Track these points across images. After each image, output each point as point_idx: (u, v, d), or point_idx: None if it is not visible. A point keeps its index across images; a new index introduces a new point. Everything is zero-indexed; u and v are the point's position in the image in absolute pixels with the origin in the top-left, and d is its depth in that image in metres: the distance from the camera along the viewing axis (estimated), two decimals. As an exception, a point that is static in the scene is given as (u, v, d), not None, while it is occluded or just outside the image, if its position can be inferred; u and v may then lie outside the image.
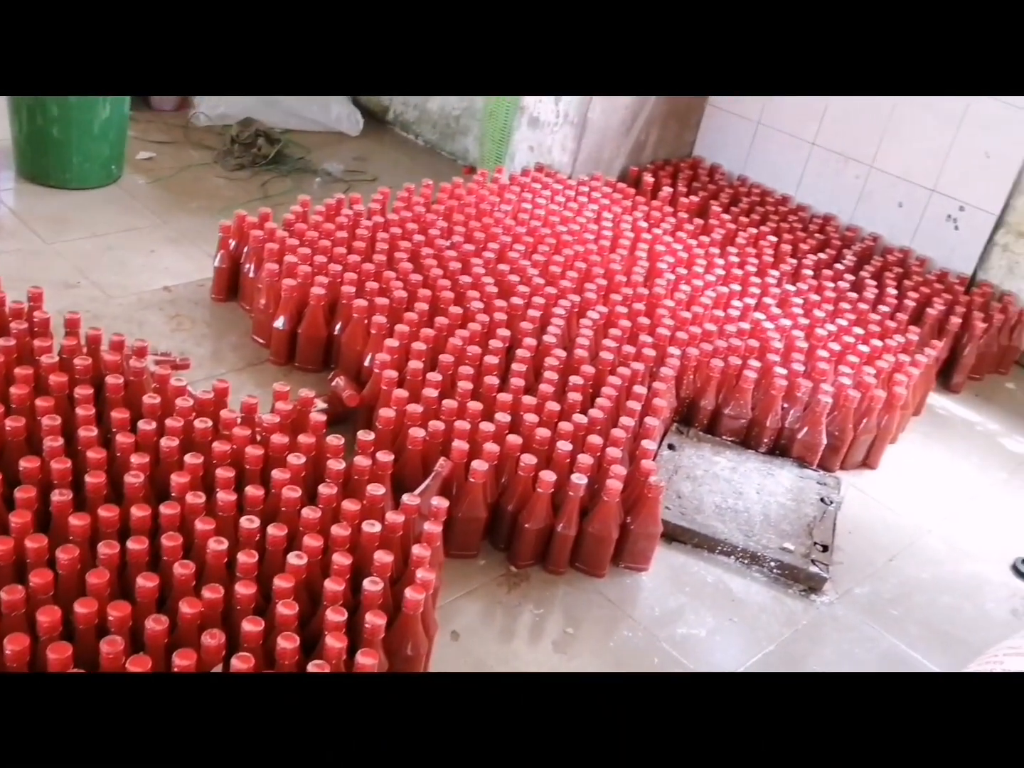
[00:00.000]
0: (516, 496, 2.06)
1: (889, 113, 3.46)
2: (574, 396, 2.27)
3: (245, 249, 2.73)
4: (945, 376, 3.15)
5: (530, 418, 2.15)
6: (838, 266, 3.25)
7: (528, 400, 2.22)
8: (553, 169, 3.46)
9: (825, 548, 2.28)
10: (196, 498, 1.69)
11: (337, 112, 4.38)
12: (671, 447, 2.50)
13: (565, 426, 2.16)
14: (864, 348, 2.76)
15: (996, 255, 3.42)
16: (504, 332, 2.46)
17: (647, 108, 3.58)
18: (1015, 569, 2.42)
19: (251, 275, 2.70)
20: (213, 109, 4.16)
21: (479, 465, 2.00)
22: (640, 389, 2.38)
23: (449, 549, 2.00)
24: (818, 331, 2.78)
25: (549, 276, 2.78)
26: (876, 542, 2.42)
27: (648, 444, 2.18)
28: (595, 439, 2.14)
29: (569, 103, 3.36)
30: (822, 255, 3.30)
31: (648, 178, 3.52)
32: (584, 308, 2.69)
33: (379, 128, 4.58)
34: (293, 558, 1.62)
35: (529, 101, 3.47)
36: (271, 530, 1.67)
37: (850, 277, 3.17)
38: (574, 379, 2.32)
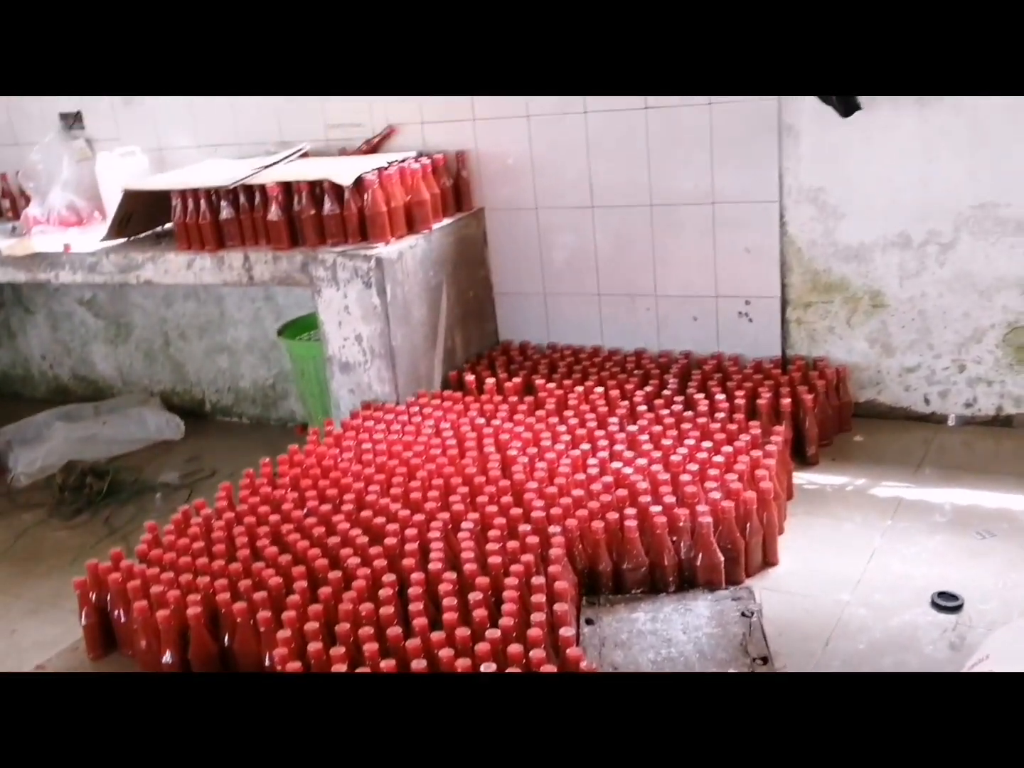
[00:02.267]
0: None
1: (651, 244, 3.73)
2: (479, 613, 2.27)
3: (108, 596, 2.66)
4: (799, 453, 3.30)
5: (445, 653, 2.13)
6: (665, 392, 3.41)
7: (436, 635, 2.20)
8: (379, 402, 3.54)
9: (765, 660, 2.31)
10: None
11: (155, 422, 4.39)
12: (589, 622, 2.52)
13: (482, 647, 2.15)
14: (719, 458, 2.88)
15: (794, 331, 3.67)
16: (389, 577, 2.46)
17: (443, 317, 3.74)
18: (934, 604, 2.51)
19: (123, 620, 2.62)
20: (30, 466, 4.11)
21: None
22: (538, 579, 2.41)
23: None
24: (672, 459, 2.89)
25: (412, 504, 2.81)
26: (807, 633, 2.47)
27: (566, 631, 2.20)
28: (515, 648, 2.13)
29: (372, 335, 3.47)
30: (647, 388, 3.45)
31: (468, 377, 3.64)
32: (457, 521, 2.72)
33: (201, 422, 4.60)
34: None
35: (333, 348, 3.56)
36: None
37: (679, 398, 3.33)
38: (472, 595, 2.33)
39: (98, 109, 4.65)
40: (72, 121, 4.77)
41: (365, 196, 3.48)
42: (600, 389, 3.43)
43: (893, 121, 3.31)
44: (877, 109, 3.29)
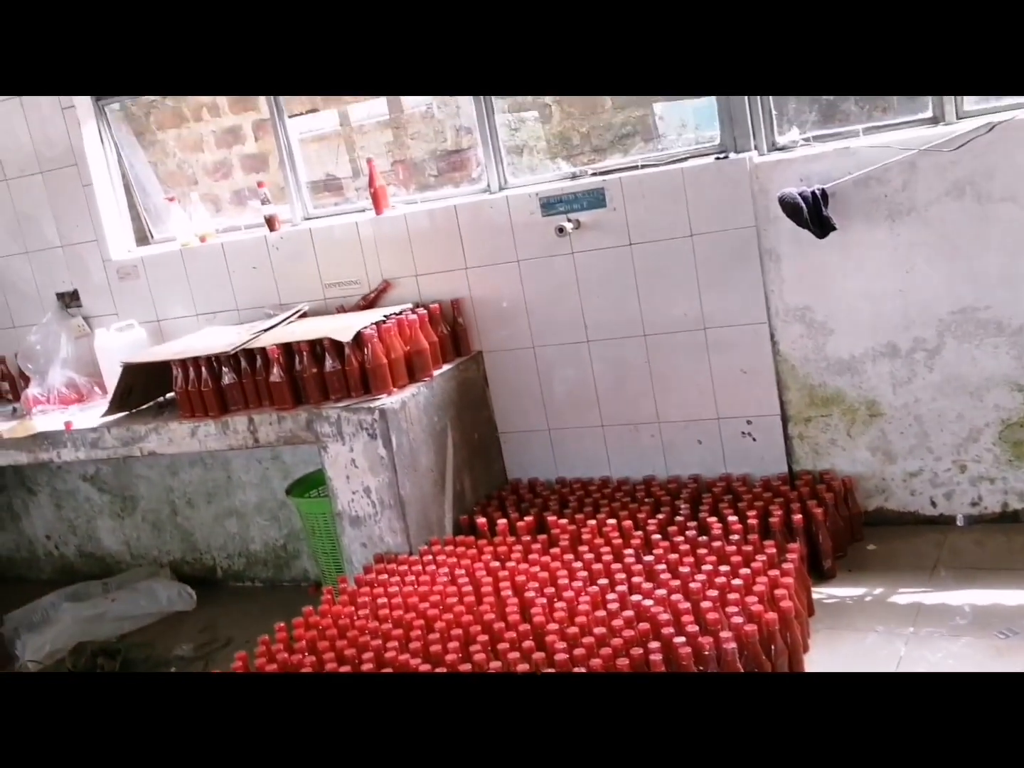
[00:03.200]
0: None
1: (649, 372, 3.79)
2: None
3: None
4: (815, 567, 3.29)
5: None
6: (678, 518, 3.41)
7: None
8: (391, 554, 3.53)
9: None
10: None
11: (166, 595, 4.35)
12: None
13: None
14: (737, 581, 2.87)
15: (798, 446, 3.71)
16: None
17: (450, 461, 3.76)
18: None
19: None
20: (38, 652, 4.05)
21: None
22: (570, 723, 2.36)
23: None
24: (692, 586, 2.87)
25: (433, 658, 2.77)
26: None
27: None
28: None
29: (380, 487, 3.48)
30: (660, 516, 3.45)
31: (480, 519, 3.64)
32: (479, 671, 2.68)
33: (213, 589, 4.55)
34: None
35: (343, 503, 3.57)
36: None
37: (692, 523, 3.33)
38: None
39: (94, 286, 4.77)
40: (69, 300, 4.88)
41: (365, 350, 3.55)
42: (612, 521, 3.43)
43: (867, 238, 3.43)
44: (851, 228, 3.41)
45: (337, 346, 3.59)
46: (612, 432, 3.92)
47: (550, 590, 3.04)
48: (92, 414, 4.13)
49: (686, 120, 3.91)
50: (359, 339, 3.57)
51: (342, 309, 4.16)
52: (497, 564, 3.29)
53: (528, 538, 3.46)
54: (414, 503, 3.56)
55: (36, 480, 5.16)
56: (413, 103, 4.35)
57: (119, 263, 4.69)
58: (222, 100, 4.67)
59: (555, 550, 3.32)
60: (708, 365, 3.71)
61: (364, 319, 3.72)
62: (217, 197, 4.81)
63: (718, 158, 3.60)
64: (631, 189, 3.68)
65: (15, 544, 5.37)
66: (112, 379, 4.12)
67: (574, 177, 3.89)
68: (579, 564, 3.17)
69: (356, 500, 3.56)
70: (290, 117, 4.39)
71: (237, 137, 4.71)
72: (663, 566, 3.04)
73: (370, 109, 4.48)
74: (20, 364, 4.74)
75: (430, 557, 3.43)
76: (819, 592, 3.20)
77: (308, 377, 3.62)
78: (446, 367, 3.87)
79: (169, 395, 4.05)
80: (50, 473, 5.06)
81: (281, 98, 4.34)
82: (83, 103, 4.62)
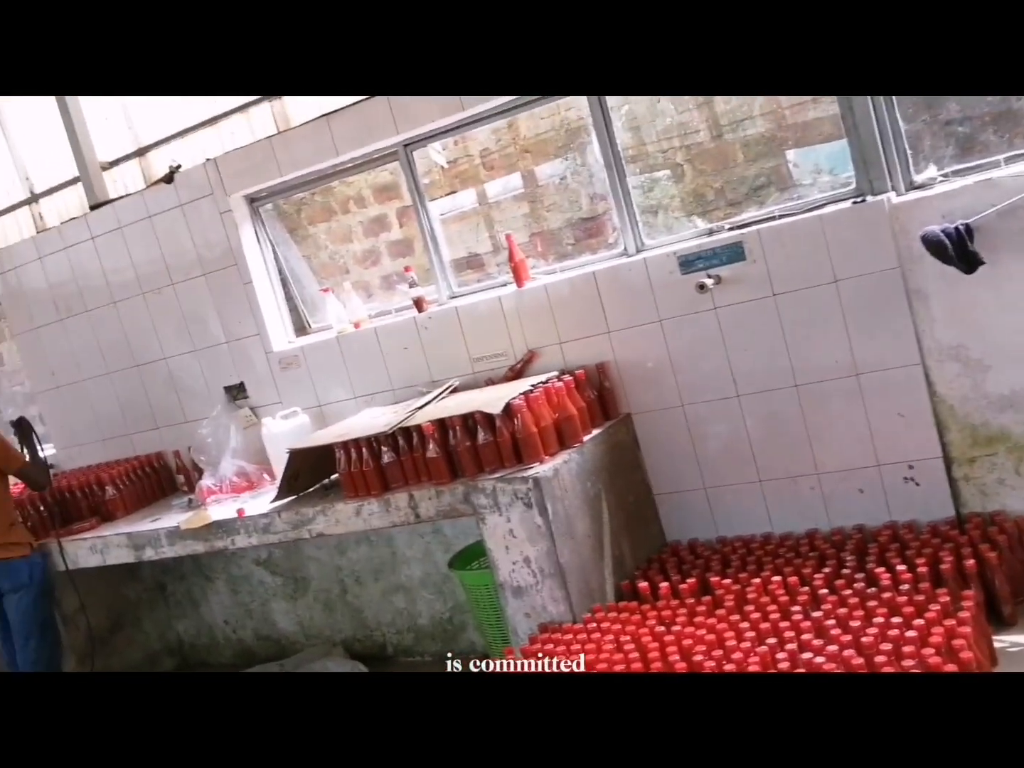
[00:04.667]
0: None
1: (803, 423, 3.72)
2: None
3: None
4: (993, 614, 3.13)
5: None
6: (845, 571, 3.31)
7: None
8: (555, 623, 3.54)
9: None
10: None
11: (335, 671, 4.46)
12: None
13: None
14: (911, 633, 2.75)
15: (964, 488, 3.56)
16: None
17: (606, 526, 3.77)
18: None
19: None
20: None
21: None
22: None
23: None
24: (864, 640, 2.77)
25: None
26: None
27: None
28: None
29: (539, 556, 3.51)
30: (825, 569, 3.36)
31: (641, 584, 3.62)
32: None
33: (384, 665, 4.66)
34: None
35: (504, 574, 3.61)
36: None
37: (860, 575, 3.23)
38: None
39: (258, 377, 5.02)
40: (236, 392, 5.15)
41: (515, 421, 3.61)
42: (777, 578, 3.36)
43: (1019, 269, 3.30)
44: (1000, 261, 3.29)
45: (488, 418, 3.66)
46: (770, 487, 3.86)
47: (718, 652, 2.99)
48: (262, 500, 4.32)
49: (820, 165, 3.87)
50: (509, 410, 3.64)
51: (491, 381, 4.25)
52: (662, 629, 3.25)
53: (692, 600, 3.41)
54: (574, 571, 3.57)
55: (213, 567, 5.41)
56: (546, 174, 4.46)
57: (280, 354, 4.93)
58: (367, 192, 4.89)
59: (720, 611, 3.26)
60: (864, 411, 3.62)
61: (513, 390, 3.79)
62: (368, 284, 5.02)
63: (855, 202, 3.55)
64: (770, 240, 3.66)
65: (196, 630, 5.62)
66: (279, 465, 4.30)
67: (711, 233, 3.89)
68: (746, 624, 3.11)
69: (516, 570, 3.60)
70: (431, 200, 4.57)
71: (383, 225, 4.91)
72: (832, 621, 2.96)
73: (506, 184, 4.61)
74: (193, 457, 5.01)
75: (594, 625, 3.42)
76: (1001, 640, 3.04)
77: (462, 451, 3.71)
78: (596, 432, 3.89)
79: (333, 476, 4.20)
80: (225, 560, 5.30)
81: (423, 184, 4.52)
82: (239, 206, 4.93)
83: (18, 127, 6.11)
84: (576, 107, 4.18)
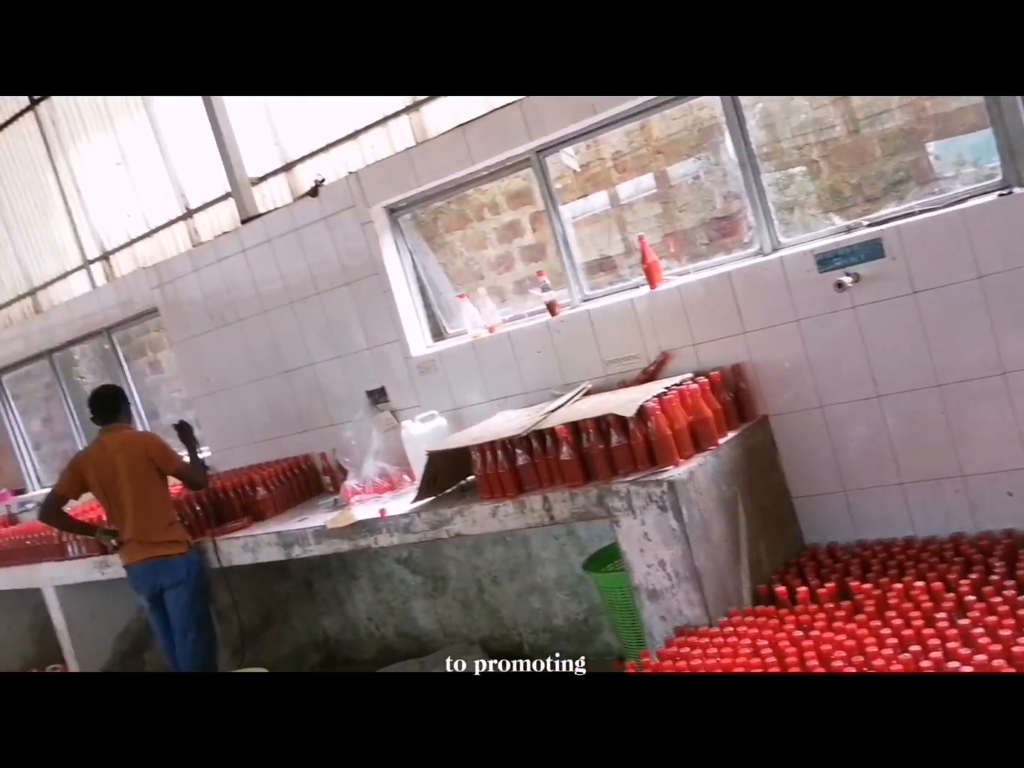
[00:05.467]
0: None
1: (947, 424, 3.60)
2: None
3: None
4: None
5: None
6: (993, 577, 3.19)
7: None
8: (691, 626, 3.52)
9: None
10: None
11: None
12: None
13: None
14: (1071, 642, 2.64)
15: None
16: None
17: (743, 529, 3.73)
18: None
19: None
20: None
21: None
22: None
23: None
24: (1015, 649, 2.67)
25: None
26: None
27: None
28: None
29: (675, 559, 3.50)
30: (972, 575, 3.24)
31: (779, 588, 3.56)
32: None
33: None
34: None
35: (639, 576, 3.61)
36: None
37: (1010, 582, 3.10)
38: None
39: (398, 381, 5.17)
40: (377, 396, 5.31)
41: (649, 423, 3.62)
42: (920, 583, 3.26)
43: None
44: None
45: (621, 421, 3.68)
46: (912, 489, 3.74)
47: (858, 659, 2.92)
48: (403, 501, 4.44)
49: (963, 157, 3.74)
50: (642, 413, 3.64)
51: (624, 384, 4.26)
52: (800, 634, 3.20)
53: (831, 605, 3.34)
54: (710, 574, 3.55)
55: (356, 565, 5.59)
56: (679, 174, 4.44)
57: (419, 359, 5.06)
58: (501, 198, 4.97)
59: (860, 616, 3.19)
60: (1012, 411, 3.48)
61: (646, 392, 3.79)
62: (501, 289, 5.10)
63: (1002, 194, 3.42)
64: (910, 236, 3.56)
65: (341, 627, 5.82)
66: (419, 467, 4.42)
67: (848, 230, 3.81)
68: (887, 630, 3.03)
69: (652, 573, 3.60)
70: (563, 204, 4.62)
71: (516, 231, 4.98)
72: (980, 629, 2.85)
73: (637, 184, 4.61)
74: (338, 458, 5.20)
75: (731, 629, 3.39)
76: None
77: (596, 453, 3.73)
78: (731, 434, 3.86)
79: (470, 478, 4.29)
80: (369, 558, 5.47)
81: (555, 189, 4.58)
82: (380, 217, 5.08)
83: (174, 148, 6.45)
84: (709, 106, 4.15)
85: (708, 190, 4.36)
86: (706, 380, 3.87)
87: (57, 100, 7.10)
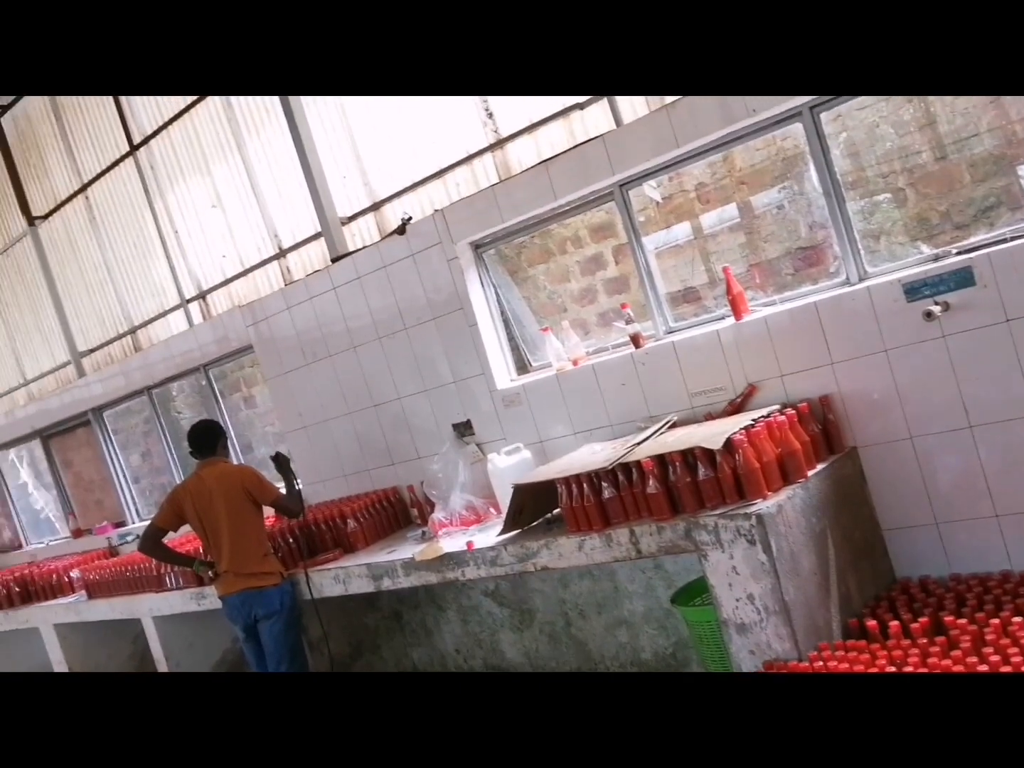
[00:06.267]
0: None
1: None
2: None
3: None
4: None
5: None
6: (1100, 614, 3.09)
7: None
8: (780, 661, 3.48)
9: None
10: None
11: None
12: None
13: None
14: None
15: None
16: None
17: (832, 563, 3.67)
18: None
19: None
20: None
21: None
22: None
23: None
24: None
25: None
26: None
27: None
28: None
29: (764, 593, 3.47)
30: (1076, 611, 3.15)
31: (870, 622, 3.50)
32: None
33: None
34: None
35: (727, 611, 3.58)
36: None
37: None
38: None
39: (483, 414, 5.22)
40: (463, 429, 5.37)
41: (736, 456, 3.60)
42: (1019, 619, 3.17)
43: None
44: None
45: (709, 454, 3.67)
46: (1008, 522, 3.65)
47: (955, 696, 2.86)
48: (490, 534, 4.48)
49: (1058, 181, 3.66)
50: (730, 445, 3.63)
51: (710, 416, 4.25)
52: (893, 669, 3.14)
53: (924, 640, 3.27)
54: (799, 608, 3.51)
55: (444, 597, 5.64)
56: (763, 203, 4.43)
57: (503, 392, 5.12)
58: (583, 231, 5.02)
59: (955, 653, 3.11)
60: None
61: (733, 425, 3.78)
62: (585, 322, 5.13)
63: (1098, 219, 3.34)
64: (1002, 264, 3.49)
65: (429, 658, 5.86)
66: (504, 499, 4.46)
67: (937, 258, 3.75)
68: (984, 667, 2.96)
69: (740, 607, 3.57)
70: (645, 236, 4.64)
71: (599, 263, 5.02)
72: (1085, 668, 2.77)
73: (720, 215, 4.61)
74: (426, 491, 5.27)
75: (821, 663, 3.34)
76: None
77: (683, 486, 3.72)
78: (820, 466, 3.82)
79: (556, 511, 4.31)
80: (456, 590, 5.52)
81: (638, 222, 4.61)
82: (464, 252, 5.17)
83: (267, 190, 6.66)
84: (792, 136, 4.14)
85: (793, 220, 4.34)
86: (794, 412, 3.83)
87: (155, 144, 7.40)
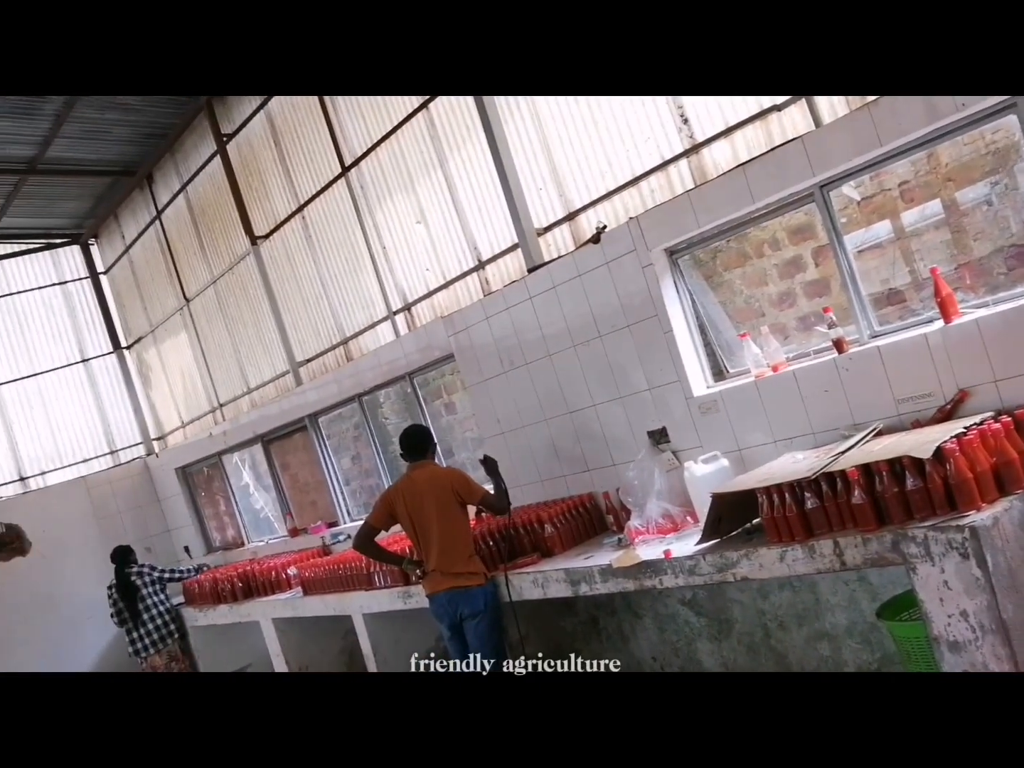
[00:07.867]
0: None
1: None
2: None
3: None
4: None
5: None
6: None
7: None
8: (997, 682, 3.29)
9: None
10: None
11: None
12: None
13: None
14: None
15: None
16: None
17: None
18: None
19: None
20: None
21: None
22: None
23: None
24: None
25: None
26: None
27: None
28: None
29: (979, 610, 3.29)
30: None
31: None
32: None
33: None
34: None
35: (938, 627, 3.42)
36: None
37: None
38: None
39: (678, 422, 5.18)
40: (659, 436, 5.35)
41: (947, 465, 3.44)
42: None
43: None
44: None
45: (917, 463, 3.52)
46: None
47: None
48: (687, 542, 4.44)
49: None
50: (940, 454, 3.47)
51: (918, 424, 4.07)
52: None
53: None
54: (1019, 627, 3.30)
55: (641, 604, 5.63)
56: (968, 199, 4.20)
57: (700, 399, 5.07)
58: (781, 234, 4.91)
59: None
60: None
61: (943, 432, 3.61)
62: (784, 326, 5.02)
63: None
64: None
65: (626, 664, 5.85)
66: (702, 508, 4.41)
67: None
68: None
69: (952, 624, 3.40)
70: (846, 235, 4.49)
71: (798, 266, 4.90)
72: None
73: (923, 211, 4.40)
74: (621, 498, 5.28)
75: (1042, 686, 3.15)
76: None
77: (890, 497, 3.59)
78: (1041, 477, 3.59)
79: (755, 521, 4.23)
80: (652, 598, 5.50)
81: (839, 222, 4.47)
82: (659, 259, 5.16)
83: (467, 204, 6.86)
84: (1004, 128, 3.92)
85: (1003, 216, 4.09)
86: (1009, 419, 3.62)
87: (365, 165, 7.75)
